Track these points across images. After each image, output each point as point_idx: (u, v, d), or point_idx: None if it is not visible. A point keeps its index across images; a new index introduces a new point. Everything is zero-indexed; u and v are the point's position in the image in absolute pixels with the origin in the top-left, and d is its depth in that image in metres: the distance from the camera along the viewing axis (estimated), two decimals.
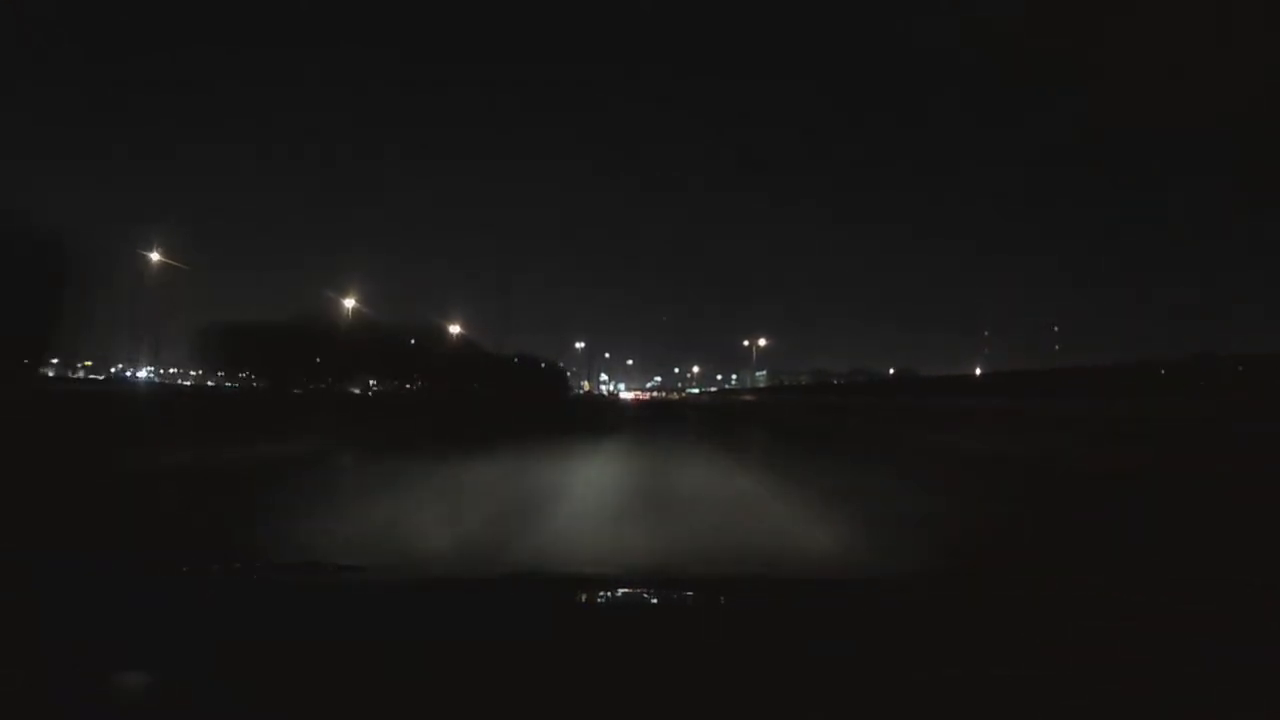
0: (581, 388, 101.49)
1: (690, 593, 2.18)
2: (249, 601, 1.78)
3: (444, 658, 1.37)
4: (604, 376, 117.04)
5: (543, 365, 77.41)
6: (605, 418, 29.48)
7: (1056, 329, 77.20)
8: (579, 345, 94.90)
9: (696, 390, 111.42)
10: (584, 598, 2.07)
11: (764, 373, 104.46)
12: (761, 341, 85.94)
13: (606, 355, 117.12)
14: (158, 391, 33.02)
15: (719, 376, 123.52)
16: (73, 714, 1.17)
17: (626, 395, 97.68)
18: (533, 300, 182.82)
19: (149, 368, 50.11)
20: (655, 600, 2.09)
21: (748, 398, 74.97)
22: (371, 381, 48.70)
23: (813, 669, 1.34)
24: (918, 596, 2.05)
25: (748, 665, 1.35)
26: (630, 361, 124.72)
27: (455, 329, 53.36)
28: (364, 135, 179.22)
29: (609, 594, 2.13)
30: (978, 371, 47.45)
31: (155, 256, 33.03)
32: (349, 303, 39.90)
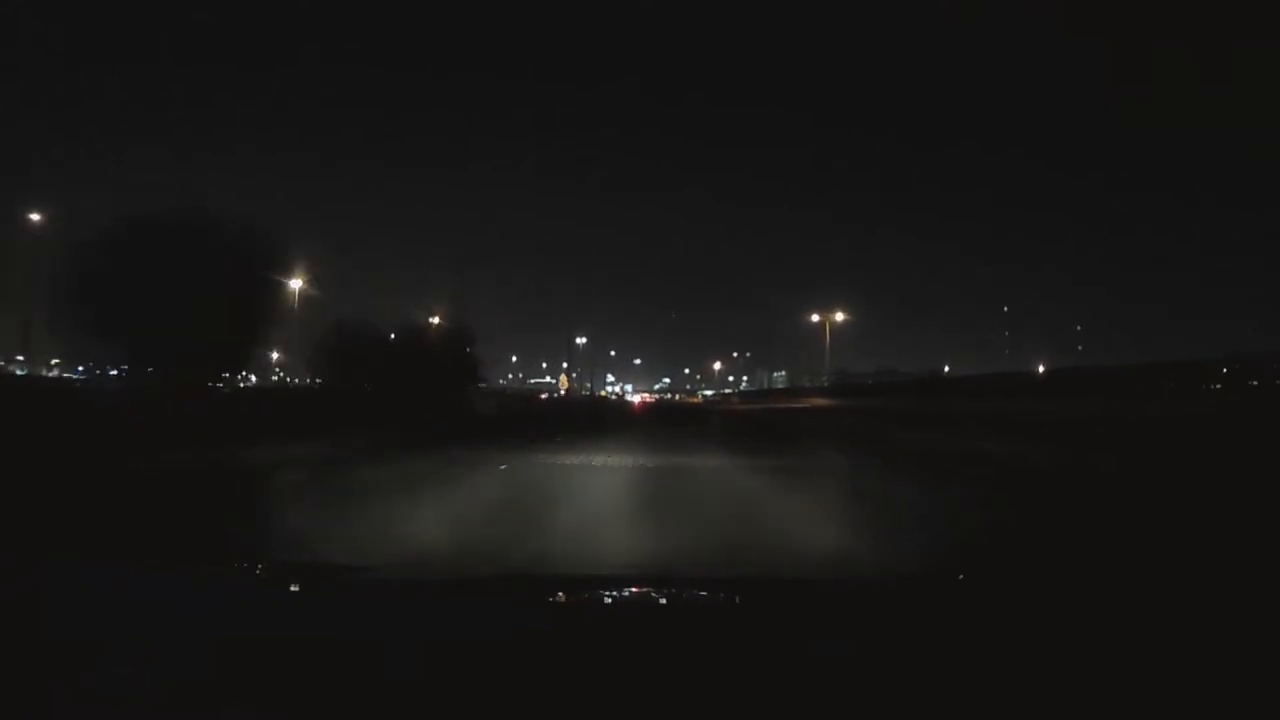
0: (557, 389, 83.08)
1: (693, 593, 2.16)
2: (252, 602, 1.77)
3: (445, 657, 1.37)
4: (610, 377, 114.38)
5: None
6: None
7: (1079, 328, 76.66)
8: (580, 340, 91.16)
9: (710, 392, 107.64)
10: (585, 598, 2.09)
11: (782, 373, 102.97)
12: (839, 316, 49.53)
13: (612, 353, 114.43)
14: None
15: (730, 378, 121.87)
16: (73, 714, 1.14)
17: (633, 398, 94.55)
18: (533, 297, 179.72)
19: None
20: (658, 601, 2.09)
21: (819, 401, 39.65)
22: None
23: (813, 669, 1.33)
24: (917, 597, 2.04)
25: (748, 665, 1.34)
26: (638, 361, 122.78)
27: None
28: (366, 139, 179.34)
29: (612, 594, 2.13)
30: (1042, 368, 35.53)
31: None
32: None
